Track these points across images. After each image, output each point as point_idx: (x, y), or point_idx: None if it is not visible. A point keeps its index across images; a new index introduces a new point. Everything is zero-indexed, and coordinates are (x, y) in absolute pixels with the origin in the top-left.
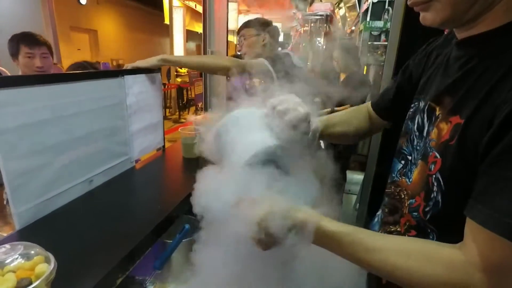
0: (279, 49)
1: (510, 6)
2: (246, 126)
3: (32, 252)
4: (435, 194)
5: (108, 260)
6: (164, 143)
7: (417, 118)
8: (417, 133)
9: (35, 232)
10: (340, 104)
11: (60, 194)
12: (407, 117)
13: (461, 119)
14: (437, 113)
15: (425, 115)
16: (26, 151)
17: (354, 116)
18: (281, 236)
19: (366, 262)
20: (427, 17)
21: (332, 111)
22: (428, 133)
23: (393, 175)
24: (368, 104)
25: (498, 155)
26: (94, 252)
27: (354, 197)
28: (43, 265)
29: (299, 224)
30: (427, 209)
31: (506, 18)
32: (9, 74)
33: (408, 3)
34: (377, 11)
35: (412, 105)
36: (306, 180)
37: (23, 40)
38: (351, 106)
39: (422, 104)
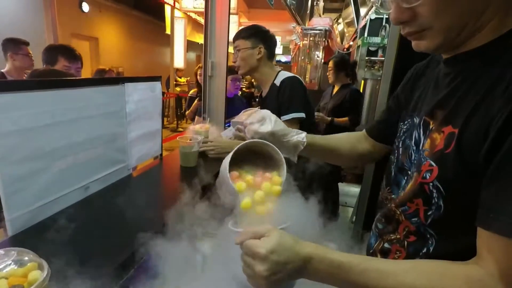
0: (275, 62)
1: (495, 27)
2: None
3: (26, 258)
4: (436, 200)
5: (103, 268)
6: (162, 151)
7: (414, 134)
8: (414, 148)
9: (29, 239)
10: (339, 116)
11: (55, 201)
12: (400, 134)
13: (453, 128)
14: (431, 126)
15: (421, 130)
16: (24, 156)
17: (350, 136)
18: (289, 274)
19: None
20: (420, 45)
21: (332, 122)
22: (423, 144)
23: (399, 190)
24: (363, 131)
25: (500, 162)
26: (88, 260)
27: (350, 210)
28: (36, 272)
29: (306, 256)
30: (429, 213)
31: (491, 37)
32: None
33: (402, 33)
34: (374, 28)
35: (405, 122)
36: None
37: (63, 53)
38: (350, 118)
39: (417, 120)
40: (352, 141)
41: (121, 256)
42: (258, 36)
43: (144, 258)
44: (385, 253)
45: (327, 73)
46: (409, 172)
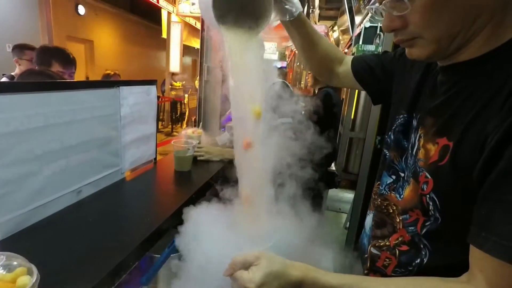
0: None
1: (488, 37)
2: None
3: (15, 263)
4: (432, 212)
5: (94, 273)
6: (156, 155)
7: (411, 137)
8: (410, 151)
9: (18, 243)
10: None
11: (47, 204)
12: (395, 129)
13: (448, 141)
14: (420, 132)
15: (417, 135)
16: (15, 159)
17: (335, 49)
18: None
19: None
20: (412, 53)
21: None
22: (417, 152)
23: (381, 188)
24: (349, 57)
25: (495, 180)
26: (79, 265)
27: (344, 216)
28: (25, 278)
29: (297, 282)
30: (427, 223)
31: (485, 48)
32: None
33: (394, 40)
34: (369, 36)
35: (401, 117)
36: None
37: (57, 58)
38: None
39: (415, 123)
40: (334, 52)
41: (113, 261)
42: None
43: (136, 263)
44: (373, 260)
45: (307, 77)
46: (402, 174)
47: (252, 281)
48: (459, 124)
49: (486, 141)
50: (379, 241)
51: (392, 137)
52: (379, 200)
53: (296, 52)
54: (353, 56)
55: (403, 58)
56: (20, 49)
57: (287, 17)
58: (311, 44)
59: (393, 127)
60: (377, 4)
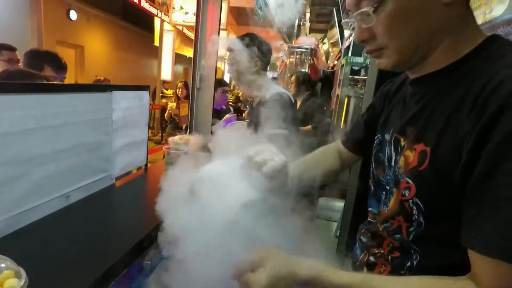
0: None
1: (447, 51)
2: (222, 181)
3: (3, 265)
4: (416, 217)
5: (82, 279)
6: (147, 161)
7: (386, 150)
8: (386, 163)
9: (6, 246)
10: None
11: (34, 208)
12: (374, 149)
13: (425, 146)
14: (402, 143)
15: (392, 146)
16: (4, 161)
17: (325, 157)
18: None
19: None
20: (381, 63)
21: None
22: (396, 162)
23: (379, 205)
24: (337, 142)
25: (477, 181)
26: (68, 270)
27: (334, 225)
28: (13, 280)
29: (305, 279)
30: (411, 229)
31: (447, 61)
32: None
33: (365, 51)
34: (358, 48)
35: (376, 138)
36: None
37: (49, 62)
38: (313, 126)
39: (387, 137)
40: (327, 163)
41: (102, 267)
42: (252, 46)
43: (125, 269)
44: (370, 267)
45: (289, 86)
46: (388, 187)
47: (259, 283)
48: (433, 130)
49: (461, 146)
50: (375, 249)
51: (372, 157)
52: (370, 214)
53: (287, 63)
54: (341, 140)
55: (384, 93)
56: None
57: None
58: (315, 176)
59: (373, 149)
60: (349, 18)
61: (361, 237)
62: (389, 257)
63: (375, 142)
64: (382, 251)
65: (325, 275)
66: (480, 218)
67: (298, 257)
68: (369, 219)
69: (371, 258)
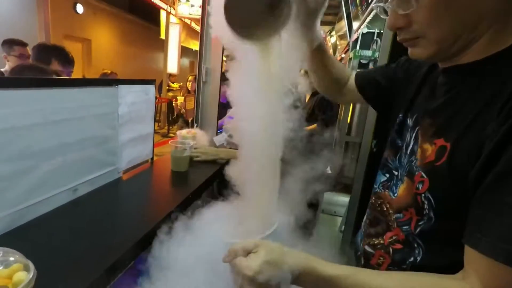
0: None
1: (490, 41)
2: None
3: (12, 259)
4: (427, 211)
5: (89, 272)
6: (153, 155)
7: (407, 136)
8: (404, 150)
9: (13, 240)
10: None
11: (42, 202)
12: (393, 130)
13: (445, 142)
14: (416, 132)
15: (413, 134)
16: (11, 155)
17: (342, 69)
18: (276, 286)
19: None
20: (414, 52)
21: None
22: (413, 152)
23: (375, 186)
24: (352, 73)
25: (491, 182)
26: (75, 263)
27: (339, 220)
28: (22, 273)
29: (294, 271)
30: (421, 223)
31: (487, 52)
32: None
33: (398, 39)
34: (366, 41)
35: (397, 117)
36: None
37: (57, 56)
38: (318, 124)
39: (410, 122)
40: (344, 73)
41: (108, 260)
42: None
43: (132, 263)
44: (367, 258)
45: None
46: (395, 173)
47: (249, 268)
48: (457, 126)
49: (483, 145)
50: (373, 239)
51: (390, 137)
52: (373, 198)
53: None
54: (356, 72)
55: (407, 64)
56: (9, 44)
57: (308, 47)
58: (326, 67)
59: (393, 130)
60: (382, 2)
61: (364, 223)
62: (390, 249)
63: (397, 120)
64: (382, 242)
65: (313, 266)
66: (488, 220)
67: (290, 249)
68: (373, 202)
69: (368, 249)
